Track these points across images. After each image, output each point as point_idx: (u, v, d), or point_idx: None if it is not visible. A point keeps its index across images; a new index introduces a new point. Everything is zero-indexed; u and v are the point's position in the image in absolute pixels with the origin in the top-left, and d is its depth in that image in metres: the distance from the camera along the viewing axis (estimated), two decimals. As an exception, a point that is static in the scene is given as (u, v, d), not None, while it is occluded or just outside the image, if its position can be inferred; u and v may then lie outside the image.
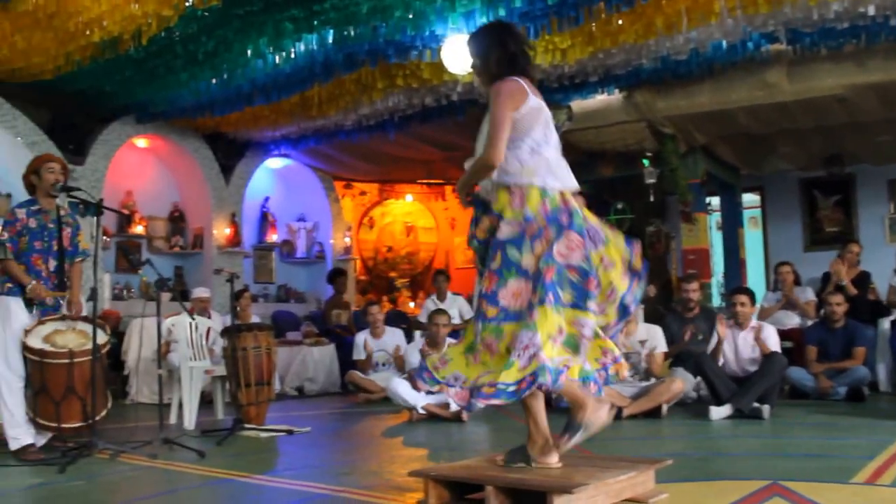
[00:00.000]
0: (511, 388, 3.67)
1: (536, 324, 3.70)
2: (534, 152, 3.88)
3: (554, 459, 3.89)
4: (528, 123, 3.90)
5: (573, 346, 3.78)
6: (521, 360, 3.68)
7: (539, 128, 3.93)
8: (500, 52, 4.02)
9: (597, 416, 3.85)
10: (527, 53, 4.11)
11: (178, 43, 8.12)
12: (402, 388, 7.66)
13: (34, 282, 5.92)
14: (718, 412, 7.06)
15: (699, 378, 7.80)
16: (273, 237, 13.54)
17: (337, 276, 12.66)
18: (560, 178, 3.91)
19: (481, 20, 7.53)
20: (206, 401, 8.36)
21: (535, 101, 3.93)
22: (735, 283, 11.83)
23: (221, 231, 12.17)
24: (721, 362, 7.58)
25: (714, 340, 7.72)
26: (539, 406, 3.95)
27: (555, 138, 4.01)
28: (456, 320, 10.08)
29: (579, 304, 3.80)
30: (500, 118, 3.83)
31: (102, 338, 5.97)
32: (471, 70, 4.29)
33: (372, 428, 7.39)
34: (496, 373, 3.72)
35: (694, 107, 9.86)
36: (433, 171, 14.54)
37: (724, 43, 8.31)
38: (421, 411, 7.52)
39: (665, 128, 10.39)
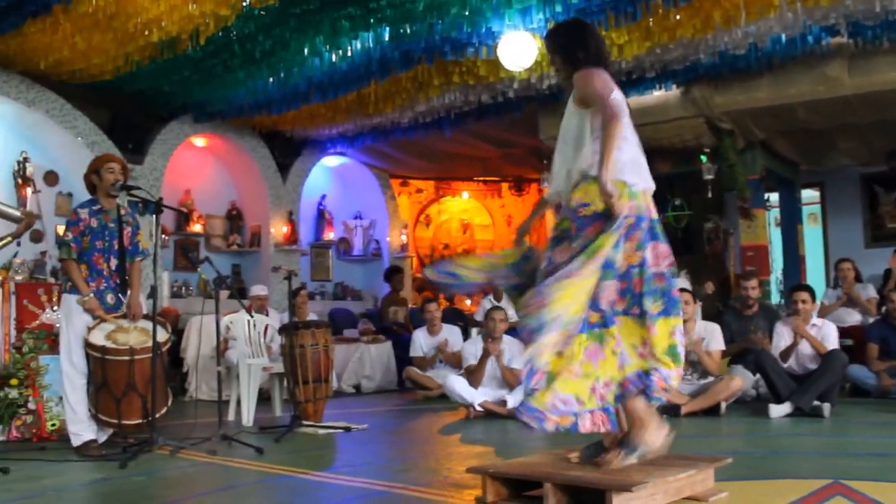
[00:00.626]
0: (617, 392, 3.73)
1: (621, 332, 3.73)
2: (618, 148, 3.82)
3: (663, 435, 3.88)
4: None
5: (674, 355, 3.75)
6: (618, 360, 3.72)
7: (624, 122, 3.89)
8: (584, 49, 4.04)
9: (655, 438, 3.84)
10: (607, 53, 4.18)
11: (236, 42, 8.19)
12: (458, 385, 7.65)
13: (90, 295, 6.00)
14: (778, 410, 6.96)
15: (758, 375, 7.68)
16: (330, 235, 13.62)
17: (394, 274, 12.69)
18: (642, 178, 3.89)
19: (538, 16, 7.51)
20: (263, 398, 8.44)
21: (620, 95, 3.92)
22: (794, 280, 11.63)
23: (279, 229, 12.27)
24: (787, 364, 7.44)
25: (784, 341, 7.56)
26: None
27: (636, 137, 3.97)
28: (513, 319, 10.02)
29: (670, 311, 3.78)
30: (603, 85, 3.84)
31: (163, 335, 6.04)
32: (553, 64, 4.29)
33: (429, 425, 7.39)
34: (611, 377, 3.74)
35: (752, 102, 9.70)
36: (489, 169, 14.52)
37: (784, 36, 8.17)
38: (478, 408, 7.50)
39: (723, 123, 10.23)
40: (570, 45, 4.09)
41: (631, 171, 3.84)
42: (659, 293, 3.78)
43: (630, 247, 3.77)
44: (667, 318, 3.78)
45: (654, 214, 3.90)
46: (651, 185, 3.94)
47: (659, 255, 3.83)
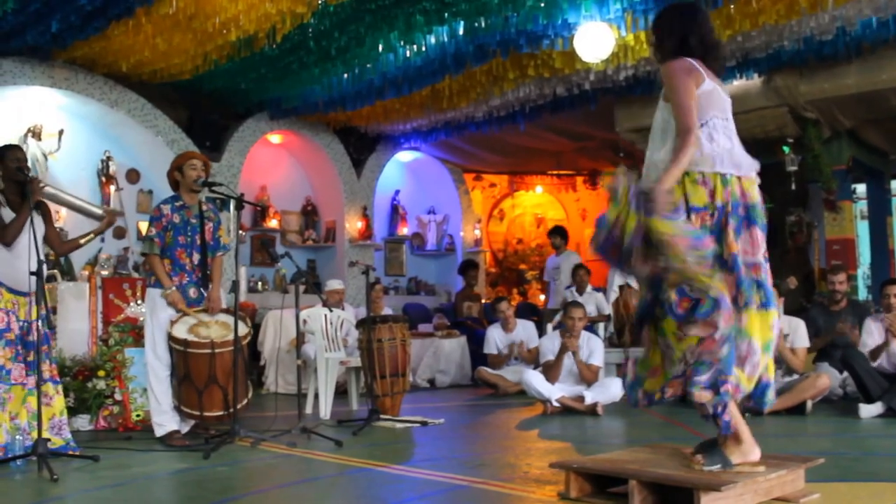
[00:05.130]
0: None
1: (748, 330, 3.64)
2: (711, 139, 3.78)
3: (756, 457, 3.76)
4: (703, 106, 3.80)
5: (767, 349, 3.68)
6: (747, 369, 3.64)
7: (716, 112, 3.83)
8: (689, 34, 3.92)
9: (746, 459, 3.73)
10: (715, 40, 4.04)
11: (311, 39, 8.27)
12: (536, 380, 7.59)
13: (173, 288, 6.11)
14: (869, 410, 6.73)
15: (845, 374, 7.46)
16: (404, 230, 13.67)
17: (468, 269, 12.67)
18: (738, 165, 3.79)
19: (615, 6, 7.43)
20: (339, 391, 8.48)
21: (709, 85, 3.83)
22: (883, 275, 11.26)
23: (353, 224, 12.35)
24: (878, 363, 7.21)
25: (874, 339, 7.32)
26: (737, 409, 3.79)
27: (732, 128, 3.90)
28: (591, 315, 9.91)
29: (769, 304, 3.71)
30: (685, 92, 3.74)
31: (243, 329, 6.11)
32: (650, 43, 4.21)
33: (506, 420, 7.36)
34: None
35: (840, 89, 9.39)
36: (564, 162, 14.41)
37: (875, 20, 7.88)
38: (555, 404, 7.44)
39: (807, 112, 9.96)
40: (681, 26, 3.96)
41: (726, 160, 3.75)
42: (755, 284, 3.68)
43: (730, 235, 3.69)
44: (767, 310, 3.70)
45: (753, 199, 3.79)
46: (748, 172, 3.82)
47: (755, 243, 3.74)
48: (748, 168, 3.83)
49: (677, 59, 3.87)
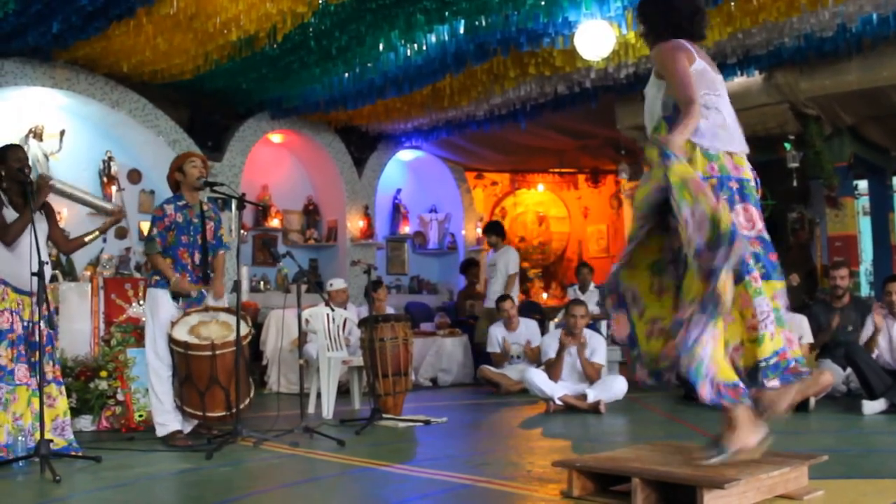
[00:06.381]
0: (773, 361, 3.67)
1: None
2: (703, 116, 3.79)
3: (753, 441, 3.73)
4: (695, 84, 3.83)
5: (779, 320, 3.68)
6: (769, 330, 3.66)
7: (707, 90, 3.87)
8: (675, 14, 4.00)
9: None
10: (703, 17, 4.11)
11: (312, 39, 8.25)
12: (538, 378, 7.59)
13: (178, 275, 6.11)
14: (872, 407, 6.73)
15: (849, 370, 7.46)
16: (405, 229, 13.65)
17: (470, 267, 12.67)
18: (726, 141, 3.82)
19: (615, 4, 7.41)
20: (341, 391, 8.48)
21: (700, 64, 3.90)
22: (885, 271, 11.25)
23: (355, 223, 12.34)
24: (875, 354, 7.21)
25: (868, 331, 7.35)
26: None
27: (726, 106, 3.93)
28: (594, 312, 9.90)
29: (771, 274, 3.72)
30: (680, 68, 3.80)
31: (245, 329, 6.11)
32: (639, 33, 4.29)
33: (508, 419, 7.36)
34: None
35: (841, 86, 9.38)
36: (565, 160, 14.39)
37: (875, 16, 7.86)
38: (558, 402, 7.44)
39: (808, 109, 9.94)
40: (663, 9, 4.06)
41: (709, 135, 3.79)
42: (754, 257, 3.69)
43: None
44: (768, 281, 3.71)
45: (746, 174, 3.83)
46: (739, 149, 3.88)
47: (751, 219, 3.77)
48: (740, 144, 3.86)
49: (665, 41, 3.94)
